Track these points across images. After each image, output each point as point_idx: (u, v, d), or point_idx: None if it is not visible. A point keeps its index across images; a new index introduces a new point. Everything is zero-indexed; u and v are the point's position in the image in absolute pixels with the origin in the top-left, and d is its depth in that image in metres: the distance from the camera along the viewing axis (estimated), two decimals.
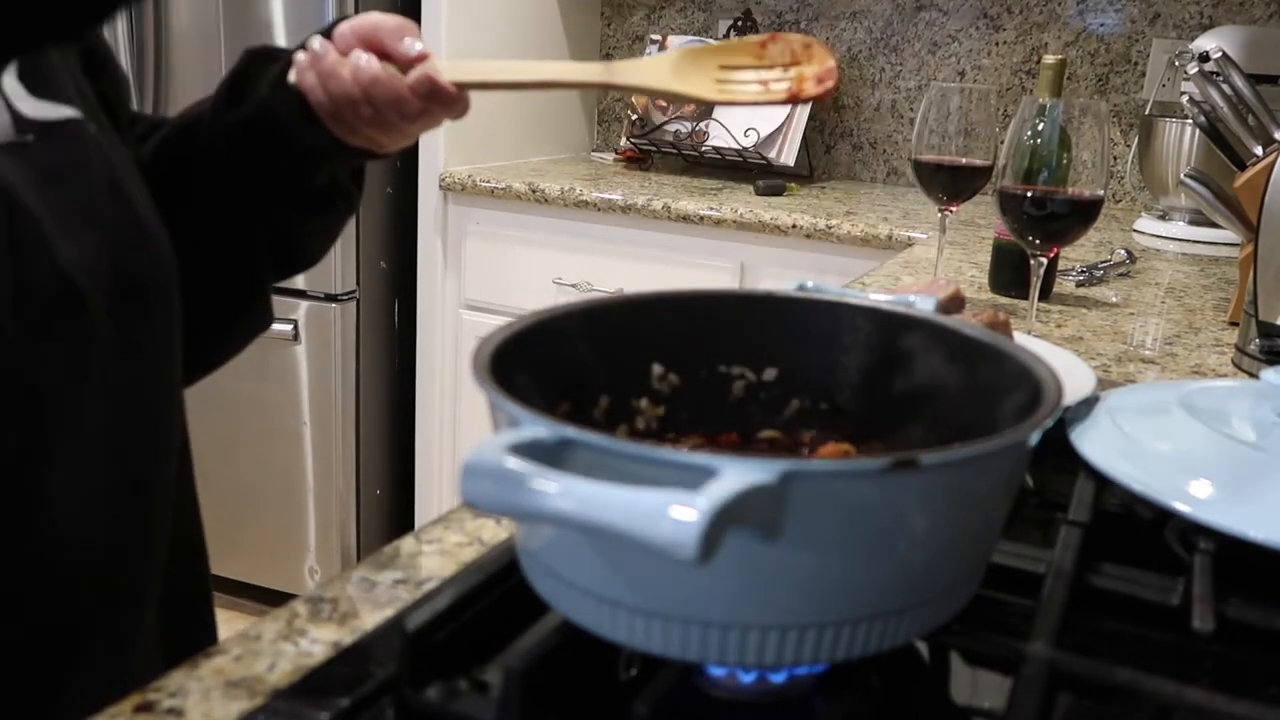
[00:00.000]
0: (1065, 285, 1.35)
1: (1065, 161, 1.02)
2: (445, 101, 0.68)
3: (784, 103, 0.63)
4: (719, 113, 2.19)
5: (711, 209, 1.87)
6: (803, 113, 2.14)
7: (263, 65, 0.72)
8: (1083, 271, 1.40)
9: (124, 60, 2.10)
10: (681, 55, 0.64)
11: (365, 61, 0.67)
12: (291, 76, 0.69)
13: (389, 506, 2.30)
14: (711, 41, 2.24)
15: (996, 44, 2.24)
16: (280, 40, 1.99)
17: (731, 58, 0.64)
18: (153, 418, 0.64)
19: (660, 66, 0.64)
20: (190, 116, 0.75)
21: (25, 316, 0.53)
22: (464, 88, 0.67)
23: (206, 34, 2.04)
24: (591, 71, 0.66)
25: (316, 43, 0.69)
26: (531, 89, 0.69)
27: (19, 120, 0.56)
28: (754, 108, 0.76)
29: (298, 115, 0.69)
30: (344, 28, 0.70)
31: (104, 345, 0.58)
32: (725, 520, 0.31)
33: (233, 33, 2.02)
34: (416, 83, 0.66)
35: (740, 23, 2.34)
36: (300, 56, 0.69)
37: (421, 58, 0.67)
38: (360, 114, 0.68)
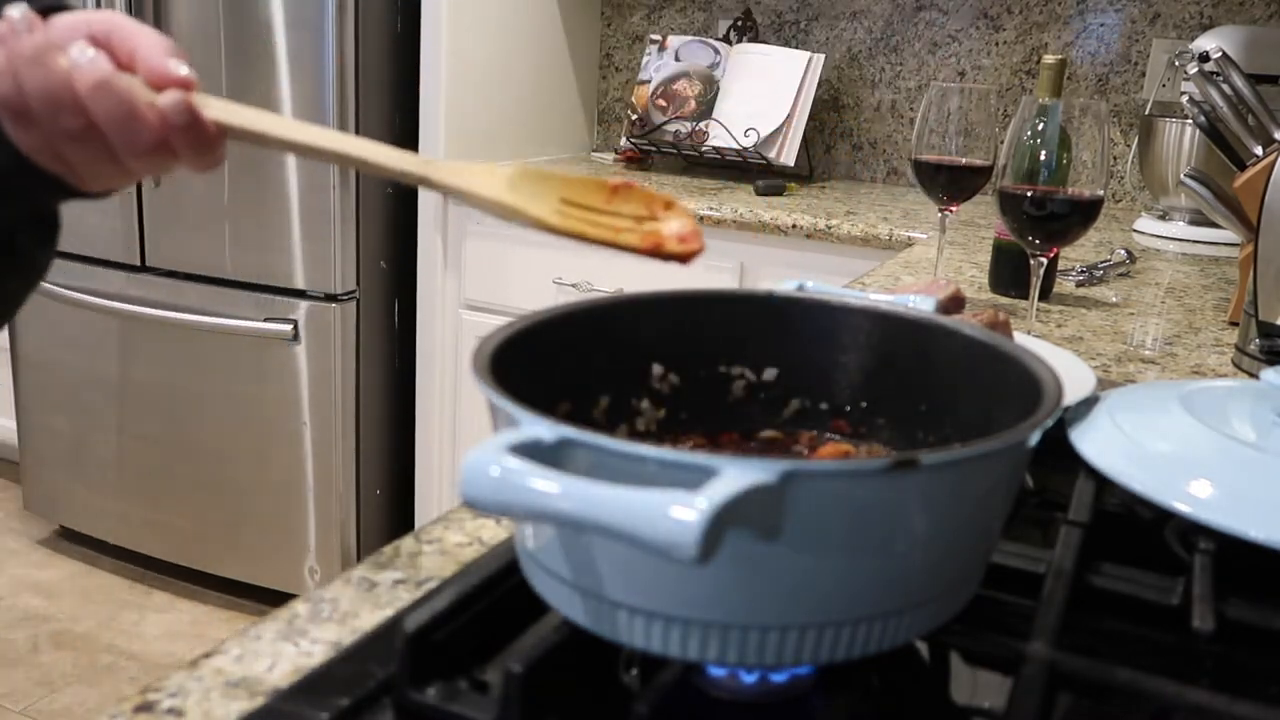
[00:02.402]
0: (1065, 285, 1.35)
1: (1065, 161, 1.02)
2: (198, 141, 0.52)
3: (638, 251, 0.53)
4: (719, 112, 2.19)
5: (711, 209, 1.87)
6: (803, 113, 2.14)
7: None
8: (1083, 271, 1.40)
9: None
10: (521, 173, 0.55)
11: (90, 57, 0.50)
12: None
13: (389, 506, 2.30)
14: (709, 55, 2.24)
15: (996, 44, 2.24)
16: (280, 42, 1.99)
17: (575, 194, 0.55)
18: None
19: (493, 177, 0.55)
20: None
21: None
22: (230, 132, 0.53)
23: (206, 34, 2.04)
24: (408, 161, 0.55)
25: (17, 11, 0.51)
26: (327, 160, 0.56)
27: None
28: (607, 244, 0.58)
29: None
30: (70, 18, 0.52)
31: None
32: (725, 520, 0.31)
33: (233, 33, 2.02)
34: (171, 106, 0.51)
35: (740, 22, 2.34)
36: None
37: (187, 84, 0.52)
38: (62, 124, 0.51)
